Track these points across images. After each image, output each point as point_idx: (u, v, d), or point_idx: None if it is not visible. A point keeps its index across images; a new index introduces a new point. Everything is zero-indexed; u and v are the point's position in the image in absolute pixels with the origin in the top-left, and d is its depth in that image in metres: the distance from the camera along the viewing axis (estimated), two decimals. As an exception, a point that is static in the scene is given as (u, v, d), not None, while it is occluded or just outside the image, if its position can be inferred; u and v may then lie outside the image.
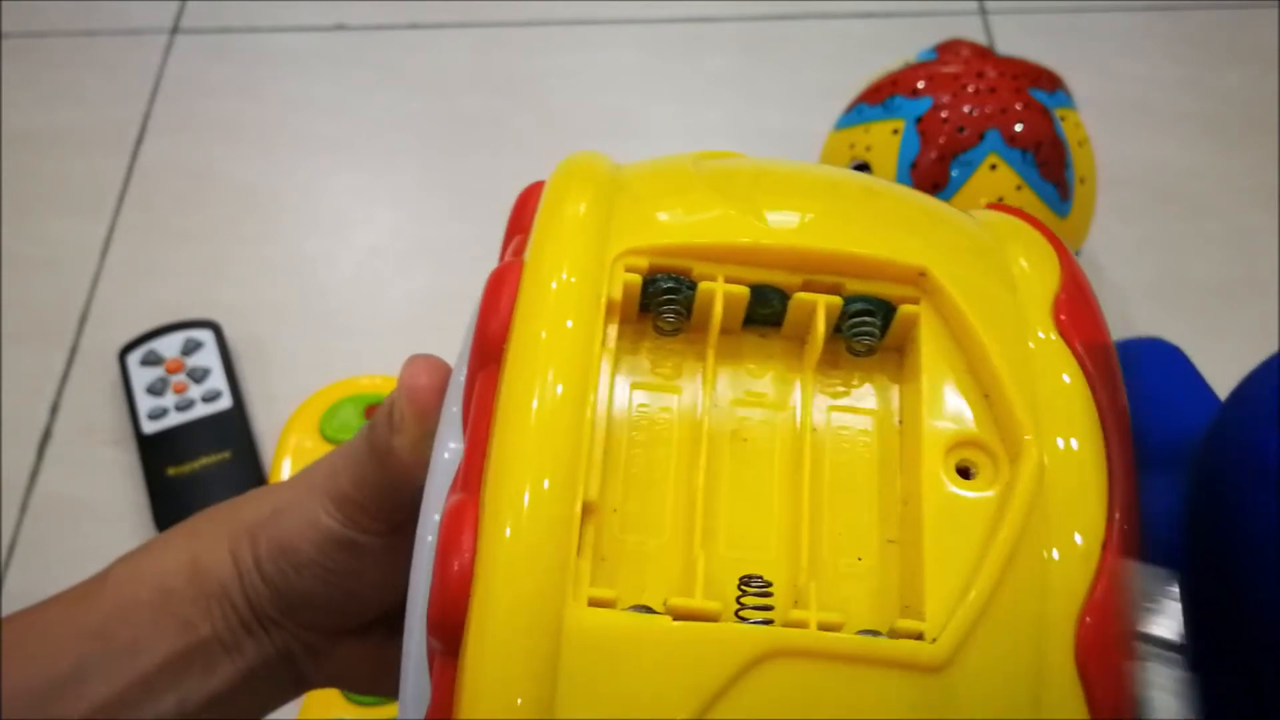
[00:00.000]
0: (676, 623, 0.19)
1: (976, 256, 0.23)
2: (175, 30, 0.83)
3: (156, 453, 0.62)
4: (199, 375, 0.64)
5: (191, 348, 0.65)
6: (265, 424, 0.64)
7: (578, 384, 0.20)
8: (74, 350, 0.68)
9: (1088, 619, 0.19)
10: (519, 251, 0.23)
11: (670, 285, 0.22)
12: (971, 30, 0.80)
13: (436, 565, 0.19)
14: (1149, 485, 0.22)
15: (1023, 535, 0.20)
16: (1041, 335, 0.22)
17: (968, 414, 0.21)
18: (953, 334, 0.22)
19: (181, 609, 0.29)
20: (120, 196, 0.74)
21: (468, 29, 0.83)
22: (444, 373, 0.26)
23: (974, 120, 0.55)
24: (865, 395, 0.22)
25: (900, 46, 0.65)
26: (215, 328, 0.66)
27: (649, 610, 0.19)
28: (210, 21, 0.83)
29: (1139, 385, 0.25)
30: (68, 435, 0.65)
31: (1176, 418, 0.29)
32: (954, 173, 0.55)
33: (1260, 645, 0.23)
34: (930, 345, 0.22)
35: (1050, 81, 0.58)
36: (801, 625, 0.19)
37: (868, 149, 0.58)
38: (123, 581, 0.29)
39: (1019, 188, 0.55)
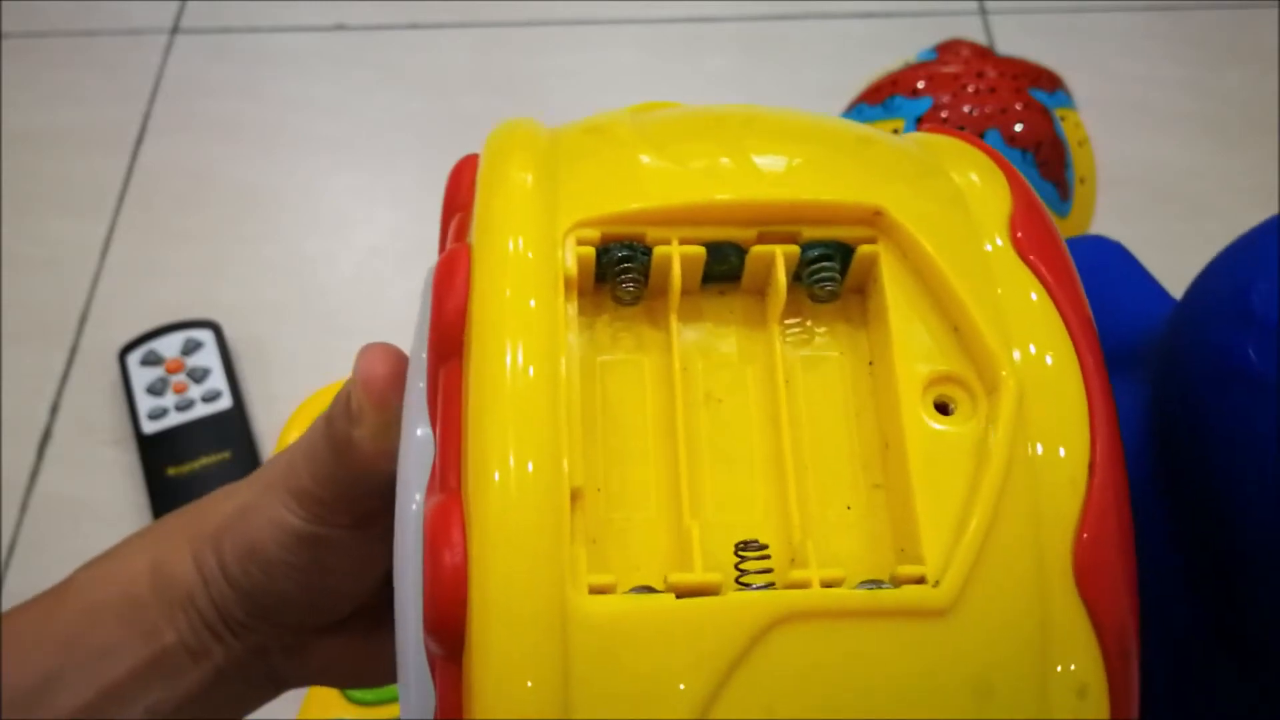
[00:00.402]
0: (681, 600, 0.19)
1: (927, 183, 0.23)
2: (175, 30, 0.83)
3: (156, 453, 0.62)
4: (199, 375, 0.64)
5: (191, 348, 0.65)
6: (265, 424, 0.64)
7: (547, 367, 0.20)
8: (74, 350, 0.68)
9: (1084, 537, 0.19)
10: (462, 232, 0.23)
11: (625, 254, 0.21)
12: (971, 30, 0.80)
13: (427, 568, 0.19)
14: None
15: (1010, 465, 0.19)
16: (1002, 257, 0.22)
17: (939, 350, 0.21)
18: (914, 269, 0.21)
19: (146, 617, 0.28)
20: (120, 196, 0.74)
21: (468, 29, 0.83)
22: (400, 360, 0.26)
23: (974, 120, 0.55)
24: (833, 341, 0.22)
25: (900, 46, 0.65)
26: (215, 328, 0.66)
27: (650, 590, 0.19)
28: (210, 21, 0.83)
29: (1088, 286, 0.25)
30: (68, 435, 0.65)
31: (1129, 318, 0.29)
32: (954, 173, 0.55)
33: (1235, 551, 0.23)
34: (893, 284, 0.21)
35: (1050, 81, 0.58)
36: (804, 585, 0.19)
37: (868, 149, 0.58)
38: (86, 589, 0.29)
39: (1019, 188, 0.55)
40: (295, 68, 0.81)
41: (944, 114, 0.56)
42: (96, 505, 0.62)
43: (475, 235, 0.21)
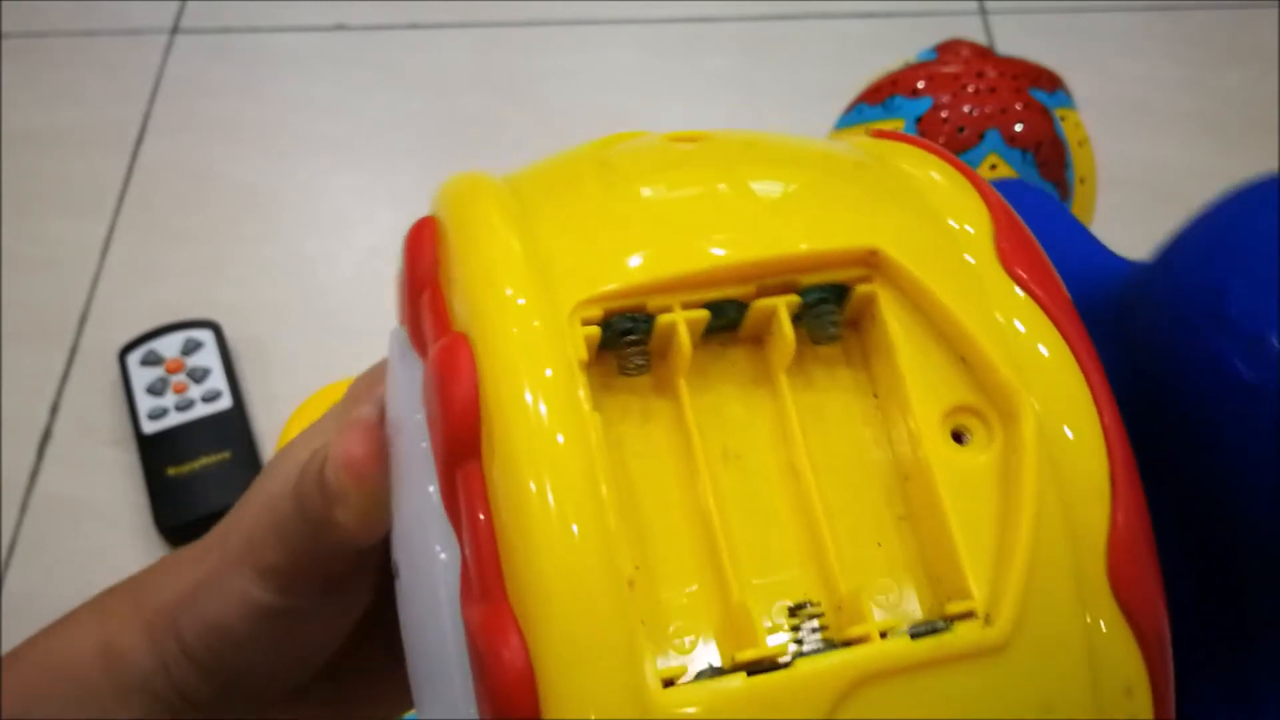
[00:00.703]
0: (754, 679, 0.18)
1: (910, 207, 0.23)
2: (175, 30, 0.83)
3: (156, 453, 0.62)
4: (199, 375, 0.64)
5: (191, 348, 0.65)
6: (265, 424, 0.64)
7: (583, 465, 0.19)
8: (74, 350, 0.68)
9: (1115, 546, 0.20)
10: (441, 314, 0.21)
11: (629, 326, 0.21)
12: (971, 30, 0.80)
13: (487, 680, 0.18)
14: None
15: (1041, 489, 0.20)
16: (991, 276, 0.22)
17: (950, 381, 0.21)
18: (914, 302, 0.21)
19: (98, 701, 0.27)
20: (120, 196, 0.74)
21: (468, 29, 0.83)
22: (379, 436, 0.25)
23: (974, 120, 0.55)
24: (836, 381, 0.22)
25: (900, 46, 0.65)
26: (215, 328, 0.66)
27: (718, 670, 0.19)
28: (210, 21, 0.83)
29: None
30: (68, 435, 0.65)
31: (1073, 271, 0.28)
32: (954, 173, 0.55)
33: (1234, 545, 0.23)
34: (894, 319, 0.21)
35: (1050, 81, 0.58)
36: (864, 639, 0.19)
37: (868, 149, 0.58)
38: (33, 669, 0.28)
39: (1019, 188, 0.55)
40: (295, 68, 0.81)
41: (944, 114, 0.56)
42: (96, 505, 0.62)
43: (472, 323, 0.20)
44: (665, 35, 0.82)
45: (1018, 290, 0.22)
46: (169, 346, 0.65)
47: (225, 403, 0.64)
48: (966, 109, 0.55)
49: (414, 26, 0.83)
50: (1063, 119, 0.57)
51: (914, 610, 0.20)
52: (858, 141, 0.26)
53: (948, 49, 0.59)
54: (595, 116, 0.77)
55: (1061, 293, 0.22)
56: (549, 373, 0.19)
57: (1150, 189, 0.72)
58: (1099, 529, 0.20)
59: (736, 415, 0.21)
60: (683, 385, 0.21)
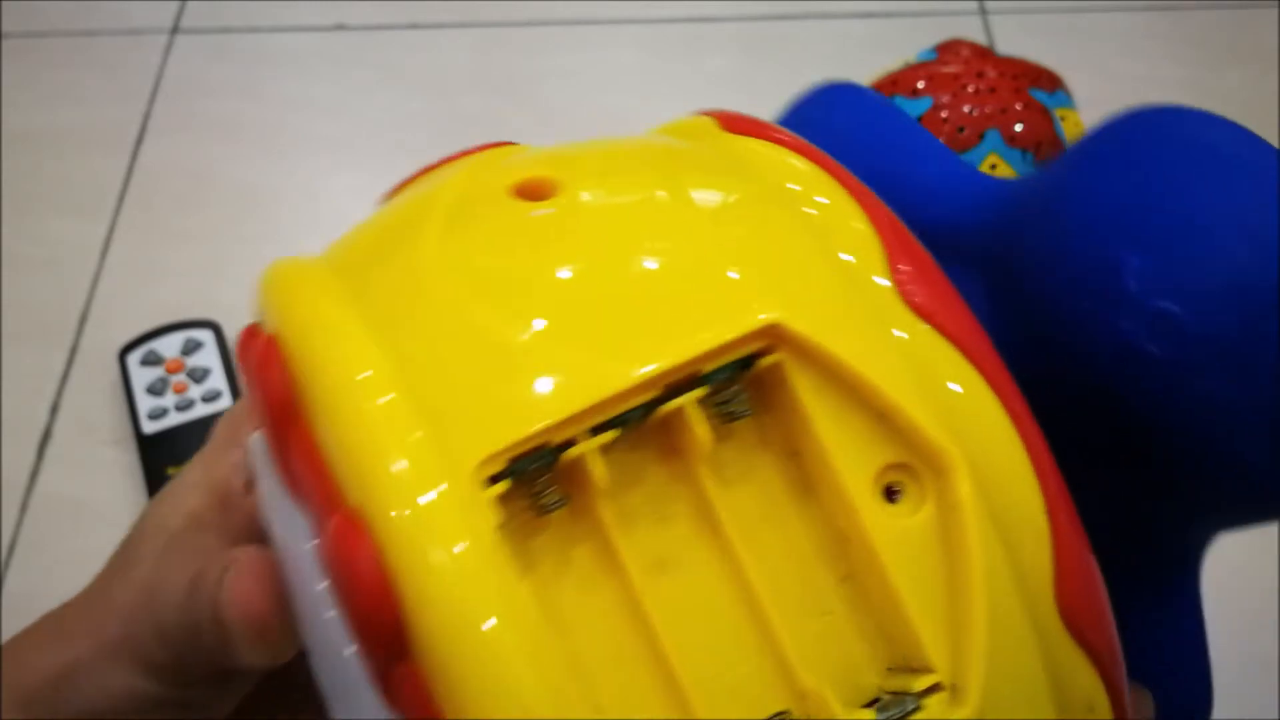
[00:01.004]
0: None
1: (800, 247, 0.21)
2: (175, 30, 0.83)
3: (156, 453, 0.62)
4: (199, 375, 0.64)
5: (191, 348, 0.65)
6: (265, 424, 0.64)
7: (526, 644, 0.17)
8: (74, 350, 0.68)
9: (1062, 579, 0.20)
10: (315, 464, 0.19)
11: (538, 466, 0.19)
12: (971, 30, 0.80)
13: None
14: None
15: (985, 544, 0.19)
16: (892, 309, 0.20)
17: (873, 440, 0.20)
18: (819, 366, 0.20)
19: None
20: (120, 196, 0.74)
21: (468, 29, 0.83)
22: (273, 575, 0.22)
23: (974, 120, 0.55)
24: (759, 459, 0.20)
25: (900, 46, 0.65)
26: (215, 328, 0.66)
27: None
28: (210, 21, 0.83)
29: (869, 160, 0.23)
30: (68, 435, 0.65)
31: (925, 190, 0.27)
32: (954, 173, 0.55)
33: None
34: (804, 387, 0.20)
35: (1050, 81, 0.58)
36: None
37: (868, 149, 0.58)
38: None
39: (1019, 188, 0.55)
40: (295, 68, 0.81)
41: (944, 114, 0.56)
42: (96, 505, 0.62)
43: (363, 500, 0.18)
44: (665, 35, 0.82)
45: (922, 323, 0.20)
46: (169, 346, 0.65)
47: (225, 403, 0.64)
48: (966, 109, 0.55)
49: (414, 26, 0.83)
50: (1063, 119, 0.57)
51: (873, 679, 0.20)
52: (713, 147, 0.24)
53: (948, 49, 0.59)
54: (595, 116, 0.77)
55: (966, 315, 0.21)
56: (461, 548, 0.17)
57: (1150, 189, 0.72)
58: (1044, 569, 0.20)
59: (662, 515, 0.20)
60: (604, 511, 0.19)
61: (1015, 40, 0.79)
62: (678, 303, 0.20)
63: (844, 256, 0.21)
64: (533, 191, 0.22)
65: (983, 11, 0.82)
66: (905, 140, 0.29)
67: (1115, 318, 0.22)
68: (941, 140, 0.55)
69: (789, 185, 0.22)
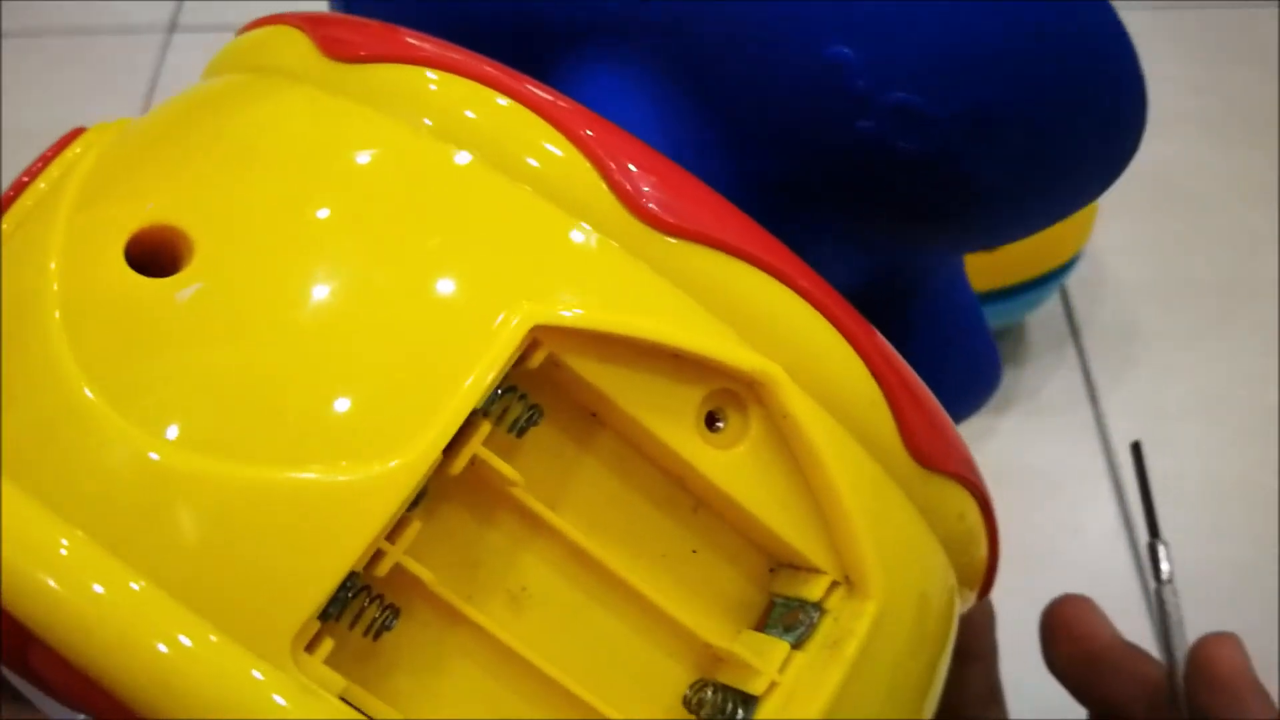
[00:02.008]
0: None
1: (502, 208, 0.18)
2: (172, 28, 0.83)
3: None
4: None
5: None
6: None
7: None
8: (71, 350, 0.67)
9: (913, 438, 0.20)
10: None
11: (356, 593, 0.17)
12: (971, 29, 0.80)
13: None
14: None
15: (829, 434, 0.19)
16: (640, 238, 0.18)
17: (677, 382, 0.18)
18: (588, 339, 0.18)
19: None
20: (118, 195, 0.74)
21: (466, 28, 0.82)
22: None
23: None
24: (568, 451, 0.19)
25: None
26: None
27: None
28: (207, 19, 0.83)
29: None
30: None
31: None
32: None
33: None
34: (582, 365, 0.18)
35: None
36: (772, 684, 0.18)
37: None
38: None
39: (1020, 187, 0.55)
40: (293, 66, 0.81)
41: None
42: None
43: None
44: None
45: (674, 240, 0.18)
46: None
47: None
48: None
49: (413, 25, 0.83)
50: (1064, 118, 0.57)
51: (761, 591, 0.19)
52: (336, 105, 0.19)
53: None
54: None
55: (715, 205, 0.19)
56: None
57: (1151, 188, 0.71)
58: (887, 427, 0.20)
59: (501, 559, 0.18)
60: (442, 592, 0.17)
61: (1015, 39, 0.79)
62: (405, 355, 0.17)
63: (563, 203, 0.18)
64: (156, 251, 0.18)
65: (983, 11, 0.82)
66: None
67: (853, 119, 0.21)
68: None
69: (459, 133, 0.18)
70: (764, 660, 0.18)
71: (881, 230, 0.24)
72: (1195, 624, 0.28)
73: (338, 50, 0.19)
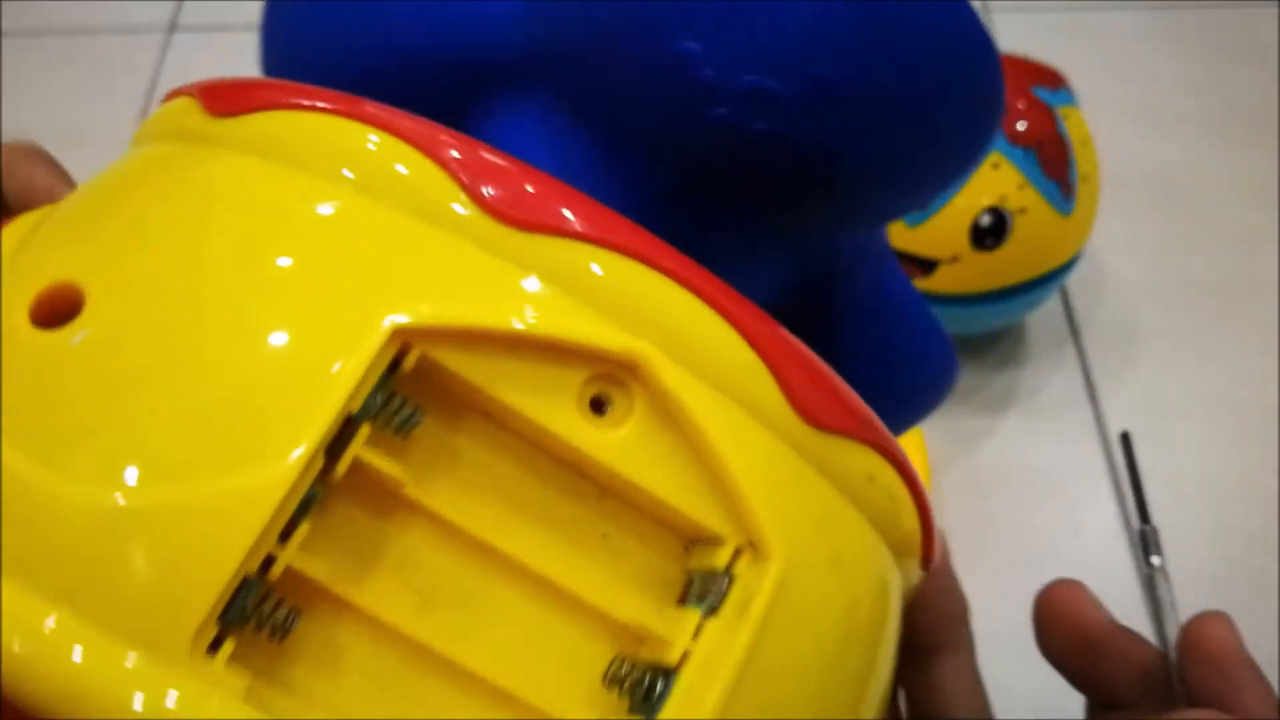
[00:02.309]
0: None
1: (372, 226, 0.19)
2: (172, 28, 0.83)
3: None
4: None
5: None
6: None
7: None
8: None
9: (799, 400, 0.20)
10: None
11: (255, 601, 0.17)
12: (972, 29, 0.80)
13: None
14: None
15: (712, 406, 0.19)
16: (500, 240, 0.19)
17: (553, 372, 0.19)
18: (460, 339, 0.18)
19: None
20: (117, 195, 0.74)
21: (466, 27, 0.82)
22: None
23: (975, 119, 0.55)
24: (457, 445, 0.19)
25: (901, 45, 0.65)
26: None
27: None
28: (207, 19, 0.83)
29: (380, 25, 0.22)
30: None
31: (423, 24, 0.25)
32: (955, 171, 0.55)
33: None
34: (457, 362, 0.18)
35: (1053, 79, 0.58)
36: (686, 655, 0.18)
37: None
38: None
39: (1021, 186, 0.55)
40: (293, 66, 0.81)
41: (945, 112, 0.55)
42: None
43: None
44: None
45: (533, 236, 0.19)
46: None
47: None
48: (968, 107, 0.55)
49: (412, 25, 0.83)
50: (1065, 117, 0.57)
51: (677, 569, 0.20)
52: (210, 157, 0.21)
53: (949, 47, 0.59)
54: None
55: (571, 200, 0.19)
56: None
57: (1151, 188, 0.71)
58: (771, 392, 0.20)
59: (402, 559, 0.19)
60: (341, 591, 0.18)
61: (1018, 38, 0.79)
62: (276, 372, 0.18)
63: (423, 215, 0.19)
64: (56, 307, 0.19)
65: (985, 10, 0.82)
66: None
67: (706, 108, 0.21)
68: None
69: (317, 162, 0.20)
70: (676, 630, 0.18)
71: (775, 220, 0.25)
72: (1196, 623, 0.28)
73: (217, 108, 0.21)
